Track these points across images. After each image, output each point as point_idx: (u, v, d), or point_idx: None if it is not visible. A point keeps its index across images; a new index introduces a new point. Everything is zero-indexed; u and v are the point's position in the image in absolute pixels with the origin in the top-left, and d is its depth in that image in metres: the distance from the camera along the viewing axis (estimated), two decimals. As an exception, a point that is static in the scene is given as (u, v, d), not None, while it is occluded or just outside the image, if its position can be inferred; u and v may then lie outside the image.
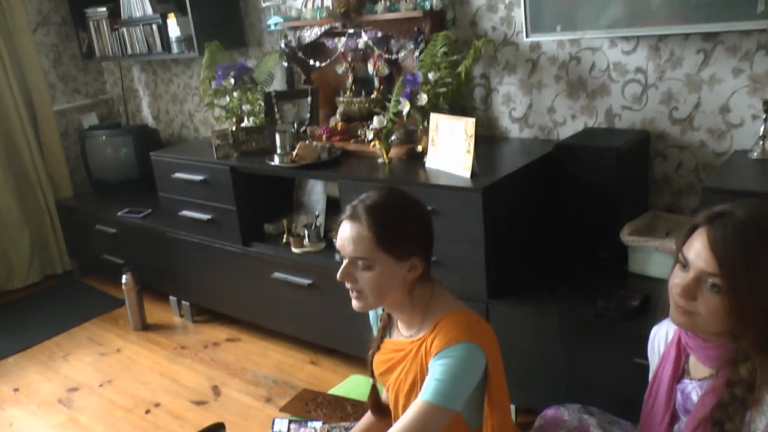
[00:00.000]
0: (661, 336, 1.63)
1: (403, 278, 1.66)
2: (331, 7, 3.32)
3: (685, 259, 1.40)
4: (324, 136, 3.28)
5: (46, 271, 4.64)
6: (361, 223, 1.63)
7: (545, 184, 2.72)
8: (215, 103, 3.51)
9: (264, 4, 3.69)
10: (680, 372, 1.53)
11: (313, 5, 3.45)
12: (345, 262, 1.66)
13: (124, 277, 3.76)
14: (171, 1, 4.11)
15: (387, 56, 3.26)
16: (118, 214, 4.08)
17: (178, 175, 3.48)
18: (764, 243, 1.31)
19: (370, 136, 2.98)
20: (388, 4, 3.13)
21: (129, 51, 4.27)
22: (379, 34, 3.23)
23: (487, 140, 3.10)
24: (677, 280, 1.42)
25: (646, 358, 1.72)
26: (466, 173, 2.55)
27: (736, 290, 1.31)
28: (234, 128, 3.35)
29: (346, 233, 1.66)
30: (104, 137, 4.47)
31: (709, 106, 2.61)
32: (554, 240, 2.75)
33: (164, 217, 3.70)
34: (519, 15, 2.95)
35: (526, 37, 2.86)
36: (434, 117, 2.74)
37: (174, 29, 3.93)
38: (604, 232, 2.60)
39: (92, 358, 3.57)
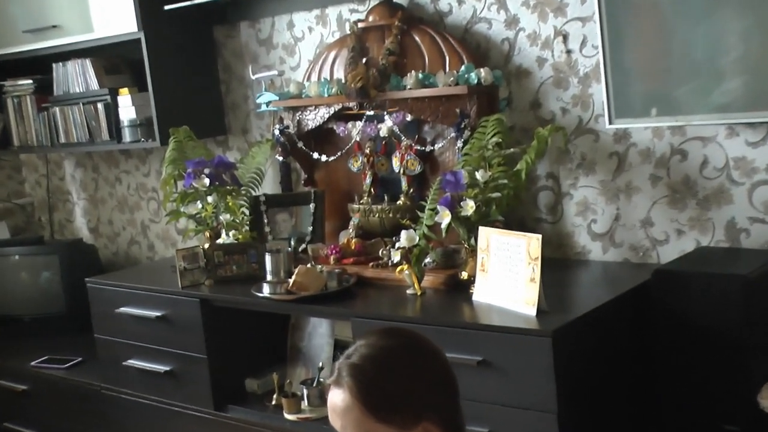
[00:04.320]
0: None
1: None
2: (343, 81, 3.52)
3: None
4: (332, 258, 3.39)
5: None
6: (344, 389, 1.72)
7: (640, 325, 2.80)
8: (181, 212, 3.65)
9: (253, 77, 3.91)
10: None
11: (319, 78, 3.66)
12: None
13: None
14: (124, 71, 4.36)
15: (419, 148, 3.42)
16: (32, 363, 4.14)
17: (124, 309, 3.59)
18: None
19: (395, 258, 3.07)
20: (420, 76, 3.33)
21: (62, 139, 4.47)
22: (409, 118, 3.41)
23: (558, 264, 3.21)
24: None
25: None
26: (530, 310, 2.64)
27: None
28: (207, 246, 3.49)
29: (330, 403, 1.76)
30: (17, 256, 4.59)
31: None
32: (655, 405, 2.78)
33: (101, 367, 3.79)
34: (599, 93, 3.12)
35: (610, 123, 3.04)
36: (484, 232, 2.85)
37: (127, 110, 4.16)
38: (730, 396, 2.57)
39: None
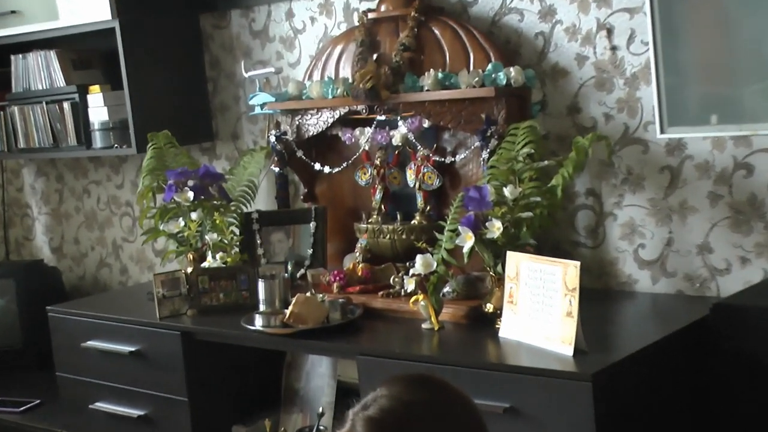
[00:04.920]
0: None
1: None
2: (350, 80, 3.53)
3: None
4: (335, 286, 3.41)
5: None
6: None
7: (696, 368, 2.79)
8: (161, 230, 3.67)
9: (246, 74, 3.93)
10: None
11: (322, 76, 3.68)
12: None
13: None
14: (95, 66, 4.39)
15: (437, 159, 3.43)
16: (-19, 406, 4.16)
17: (92, 343, 3.61)
18: None
19: (409, 286, 3.04)
20: (440, 76, 3.34)
21: (20, 143, 4.49)
22: (426, 124, 3.42)
23: (600, 296, 3.21)
24: None
25: None
26: (566, 349, 2.63)
27: None
28: (190, 270, 3.50)
29: None
30: (-35, 281, 4.59)
31: None
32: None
33: (63, 411, 3.79)
34: (648, 96, 3.13)
35: (661, 131, 3.04)
36: (514, 258, 2.85)
37: (98, 110, 4.17)
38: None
39: None
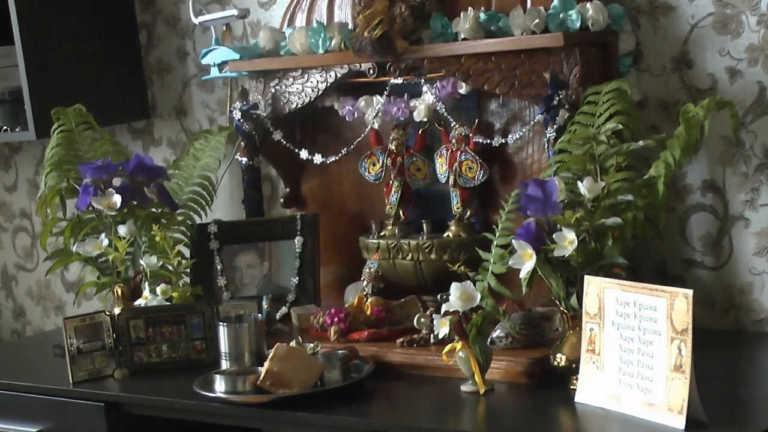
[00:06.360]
0: None
1: None
2: (350, 26, 3.54)
3: None
4: (333, 331, 3.39)
5: None
6: None
7: None
8: (74, 253, 3.67)
9: (196, 19, 3.92)
10: None
11: (308, 21, 3.69)
12: None
13: None
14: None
15: (480, 140, 3.42)
16: None
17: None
18: None
19: (442, 330, 3.04)
20: (483, 17, 3.32)
21: None
22: (463, 90, 3.42)
23: (727, 340, 3.20)
24: None
25: None
26: (676, 421, 2.59)
27: None
28: (118, 312, 3.49)
29: None
30: None
31: None
32: None
33: None
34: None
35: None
36: (595, 286, 2.83)
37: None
38: None
39: None
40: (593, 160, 2.98)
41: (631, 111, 3.05)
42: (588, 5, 3.18)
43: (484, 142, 3.41)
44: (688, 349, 2.57)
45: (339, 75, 3.58)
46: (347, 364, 3.18)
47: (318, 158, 3.66)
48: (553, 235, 2.86)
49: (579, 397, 2.83)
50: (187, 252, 3.67)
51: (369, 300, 3.45)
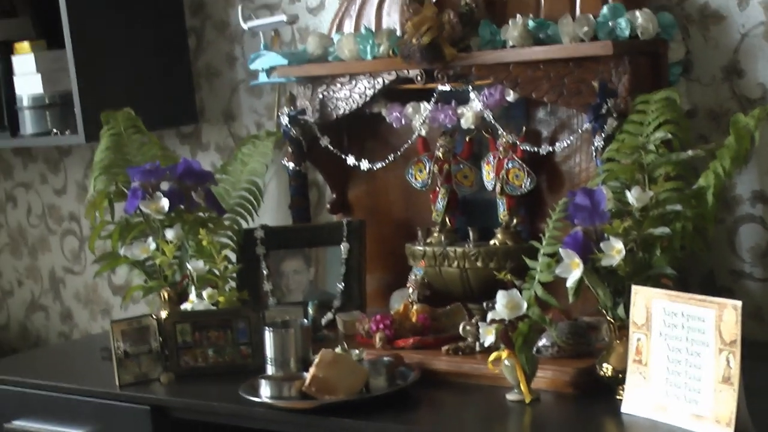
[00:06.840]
0: None
1: None
2: (399, 33, 3.53)
3: None
4: (378, 338, 3.41)
5: None
6: None
7: None
8: (121, 256, 3.68)
9: (245, 24, 3.93)
10: None
11: (356, 28, 3.69)
12: None
13: None
14: (21, 13, 4.44)
15: (528, 149, 3.42)
16: None
17: (19, 424, 3.62)
18: None
19: (488, 338, 3.04)
20: (532, 24, 3.32)
21: None
22: (510, 97, 3.41)
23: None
24: None
25: None
26: (724, 433, 2.62)
27: None
28: (165, 315, 3.50)
29: None
30: None
31: None
32: None
33: None
34: None
35: None
36: (643, 296, 2.82)
37: (28, 79, 4.21)
38: None
39: None
40: (642, 169, 2.98)
41: (680, 120, 3.04)
42: (637, 13, 3.18)
43: (532, 150, 3.41)
44: (736, 360, 2.57)
45: (387, 81, 3.58)
46: (392, 371, 3.18)
47: (365, 164, 3.67)
48: (601, 245, 2.87)
49: (625, 408, 2.83)
50: (233, 257, 3.68)
51: (414, 307, 3.45)
